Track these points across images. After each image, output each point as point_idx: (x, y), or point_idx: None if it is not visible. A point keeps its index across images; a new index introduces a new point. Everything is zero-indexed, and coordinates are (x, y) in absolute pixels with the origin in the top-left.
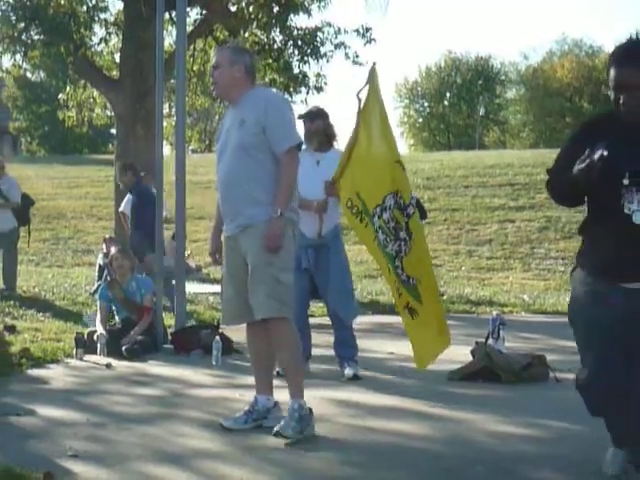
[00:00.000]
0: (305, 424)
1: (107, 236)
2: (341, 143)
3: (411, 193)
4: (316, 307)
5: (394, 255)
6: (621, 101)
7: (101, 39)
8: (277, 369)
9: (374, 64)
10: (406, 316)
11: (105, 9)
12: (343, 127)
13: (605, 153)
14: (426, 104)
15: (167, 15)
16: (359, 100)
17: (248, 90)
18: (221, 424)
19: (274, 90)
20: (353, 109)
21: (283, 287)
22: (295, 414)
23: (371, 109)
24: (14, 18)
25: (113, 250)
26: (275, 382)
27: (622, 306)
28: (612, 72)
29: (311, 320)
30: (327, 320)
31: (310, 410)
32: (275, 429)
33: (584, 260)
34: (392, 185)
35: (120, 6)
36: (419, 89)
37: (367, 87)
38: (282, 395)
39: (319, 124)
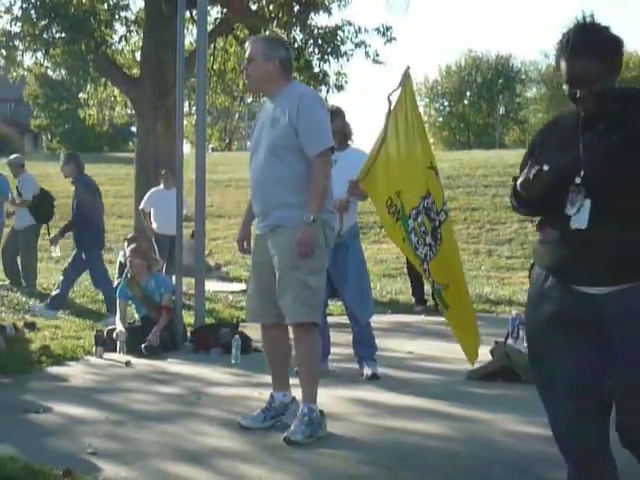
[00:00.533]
0: (315, 427)
1: (130, 235)
2: (357, 142)
3: (444, 199)
4: (335, 306)
5: (422, 259)
6: (577, 96)
7: (121, 37)
8: (295, 368)
9: (408, 67)
10: (445, 312)
11: (126, 7)
12: (362, 126)
13: (545, 168)
14: (446, 103)
15: (188, 14)
16: (389, 102)
17: (284, 85)
18: (239, 423)
19: (309, 88)
20: (372, 108)
21: (311, 291)
22: (305, 418)
23: (404, 112)
24: (35, 16)
25: (127, 251)
26: (292, 381)
27: (559, 307)
28: (564, 65)
29: (330, 319)
30: (346, 319)
31: (321, 412)
32: (284, 435)
33: (535, 258)
34: (425, 189)
35: (141, 4)
36: (439, 88)
37: (399, 90)
38: (296, 393)
39: (338, 123)
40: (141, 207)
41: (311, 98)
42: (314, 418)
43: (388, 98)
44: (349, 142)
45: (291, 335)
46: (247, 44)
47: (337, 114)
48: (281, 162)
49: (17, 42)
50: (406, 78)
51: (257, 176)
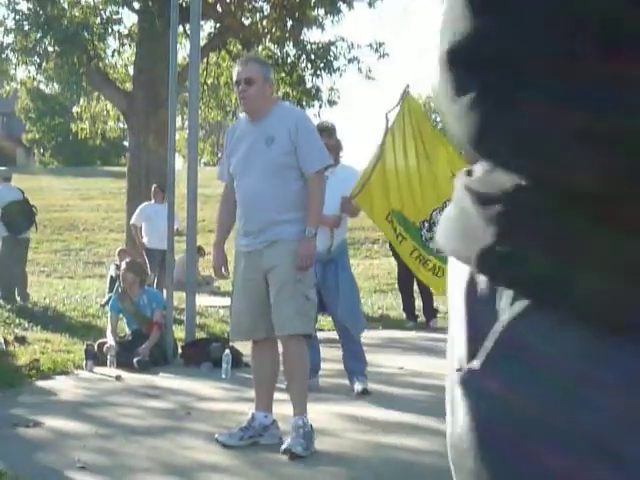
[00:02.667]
0: (311, 441)
1: (121, 248)
2: (348, 157)
3: None
4: (325, 321)
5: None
6: None
7: (114, 51)
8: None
9: (407, 86)
10: None
11: (119, 21)
12: (353, 141)
13: None
14: (439, 119)
15: (181, 28)
16: (387, 120)
17: (272, 104)
18: (216, 439)
19: (297, 107)
20: (364, 124)
21: (311, 304)
22: (301, 430)
23: (404, 129)
24: (28, 28)
25: (122, 264)
26: (277, 395)
27: None
28: None
29: (320, 334)
30: (336, 334)
31: (311, 427)
32: (284, 447)
33: None
34: (438, 201)
35: (134, 19)
36: (432, 104)
37: (398, 107)
38: (285, 409)
39: (333, 140)
40: (132, 222)
41: (307, 118)
42: (308, 432)
43: (386, 115)
44: (339, 158)
45: (280, 349)
46: (241, 65)
47: (332, 131)
48: (281, 180)
49: (10, 54)
50: (405, 96)
51: (254, 194)
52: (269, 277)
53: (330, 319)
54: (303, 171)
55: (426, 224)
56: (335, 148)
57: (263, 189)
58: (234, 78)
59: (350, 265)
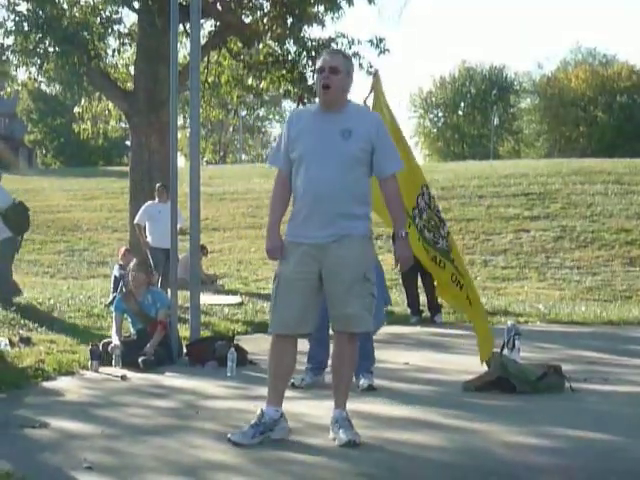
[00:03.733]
0: None
1: (125, 248)
2: None
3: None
4: None
5: (447, 250)
6: None
7: (115, 50)
8: (292, 380)
9: (377, 71)
10: (468, 308)
11: (119, 21)
12: None
13: None
14: (440, 114)
15: (181, 27)
16: (367, 107)
17: (348, 101)
18: (229, 438)
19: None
20: None
21: (374, 302)
22: (347, 422)
23: (382, 113)
24: (28, 29)
25: (131, 264)
26: (287, 393)
27: None
28: None
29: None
30: None
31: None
32: (346, 440)
33: None
34: (419, 186)
35: (134, 18)
36: (433, 99)
37: (372, 94)
38: (293, 406)
39: None
40: (136, 221)
41: (382, 121)
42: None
43: (364, 102)
44: None
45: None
46: (328, 54)
47: None
48: (353, 174)
49: (10, 56)
50: (377, 81)
51: (325, 184)
52: (332, 272)
53: None
54: (379, 172)
55: (416, 211)
56: None
57: (337, 180)
58: (318, 65)
59: (377, 261)
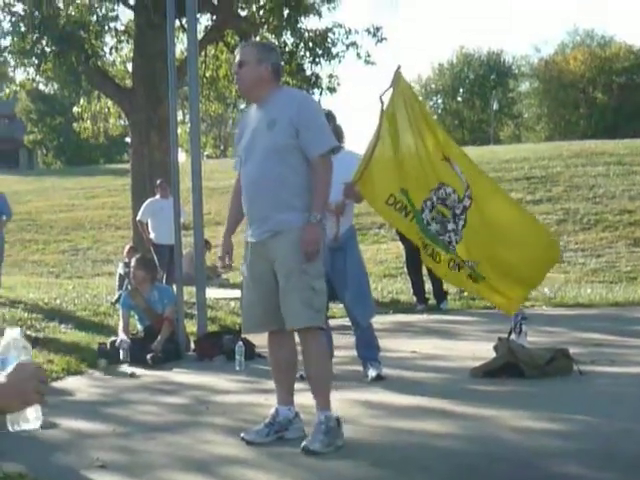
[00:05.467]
0: (334, 436)
1: (130, 245)
2: (349, 143)
3: (466, 187)
4: (337, 309)
5: (447, 243)
6: None
7: (112, 48)
8: (300, 373)
9: (399, 67)
10: (470, 284)
11: (115, 18)
12: (354, 127)
13: None
14: (440, 100)
15: (177, 22)
16: (382, 102)
17: (275, 90)
18: (242, 437)
19: (302, 91)
20: (365, 110)
21: (317, 295)
22: (322, 427)
23: (400, 110)
24: (24, 29)
25: (132, 261)
26: (297, 386)
27: None
28: None
29: (332, 322)
30: (348, 321)
31: (338, 421)
32: (303, 444)
33: None
34: (436, 181)
35: (130, 15)
36: (432, 86)
37: (391, 90)
38: (304, 399)
39: (331, 126)
40: (138, 218)
41: (309, 100)
42: (331, 427)
43: (380, 98)
44: (342, 145)
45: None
46: (238, 49)
47: (330, 117)
48: (283, 163)
49: (8, 57)
50: (398, 77)
51: (255, 179)
52: (275, 268)
53: (341, 306)
54: (307, 155)
55: (428, 203)
56: (335, 135)
57: (263, 174)
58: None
59: (360, 251)
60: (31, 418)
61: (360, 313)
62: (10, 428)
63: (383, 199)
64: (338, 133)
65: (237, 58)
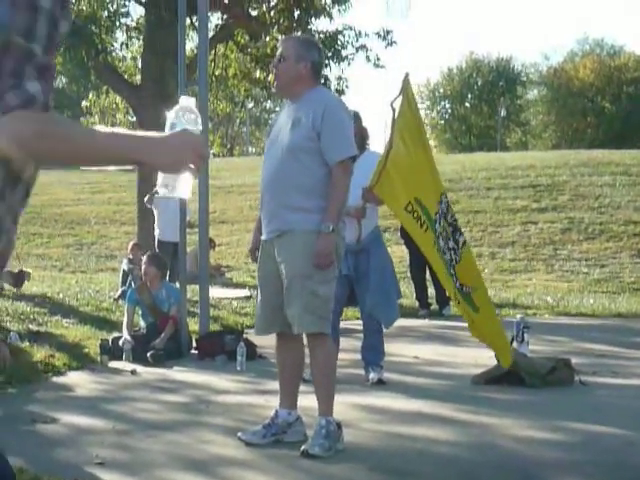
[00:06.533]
0: (334, 440)
1: (134, 242)
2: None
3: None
4: (345, 311)
5: (449, 262)
6: None
7: (122, 44)
8: (305, 376)
9: (407, 74)
10: (469, 313)
11: (126, 14)
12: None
13: None
14: (447, 105)
15: (188, 20)
16: (393, 110)
17: (310, 89)
18: (239, 437)
19: (335, 94)
20: (373, 113)
21: (320, 301)
22: (322, 431)
23: (408, 118)
24: None
25: (144, 257)
26: (301, 388)
27: None
28: None
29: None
30: (353, 324)
31: (339, 425)
32: (303, 448)
33: None
34: (438, 194)
35: (141, 11)
36: (440, 90)
37: (401, 96)
38: (307, 401)
39: (356, 127)
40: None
41: (337, 104)
42: (332, 431)
43: (391, 105)
44: (367, 146)
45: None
46: (279, 42)
47: (355, 118)
48: (298, 164)
49: None
50: (406, 84)
51: (270, 175)
52: (280, 270)
53: (351, 308)
54: (326, 160)
55: (438, 216)
56: (358, 135)
57: (277, 171)
58: None
59: (387, 252)
60: (180, 188)
61: (384, 316)
62: (159, 191)
63: (403, 205)
64: (363, 134)
65: (278, 51)
